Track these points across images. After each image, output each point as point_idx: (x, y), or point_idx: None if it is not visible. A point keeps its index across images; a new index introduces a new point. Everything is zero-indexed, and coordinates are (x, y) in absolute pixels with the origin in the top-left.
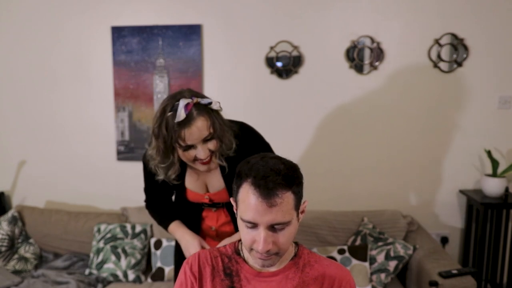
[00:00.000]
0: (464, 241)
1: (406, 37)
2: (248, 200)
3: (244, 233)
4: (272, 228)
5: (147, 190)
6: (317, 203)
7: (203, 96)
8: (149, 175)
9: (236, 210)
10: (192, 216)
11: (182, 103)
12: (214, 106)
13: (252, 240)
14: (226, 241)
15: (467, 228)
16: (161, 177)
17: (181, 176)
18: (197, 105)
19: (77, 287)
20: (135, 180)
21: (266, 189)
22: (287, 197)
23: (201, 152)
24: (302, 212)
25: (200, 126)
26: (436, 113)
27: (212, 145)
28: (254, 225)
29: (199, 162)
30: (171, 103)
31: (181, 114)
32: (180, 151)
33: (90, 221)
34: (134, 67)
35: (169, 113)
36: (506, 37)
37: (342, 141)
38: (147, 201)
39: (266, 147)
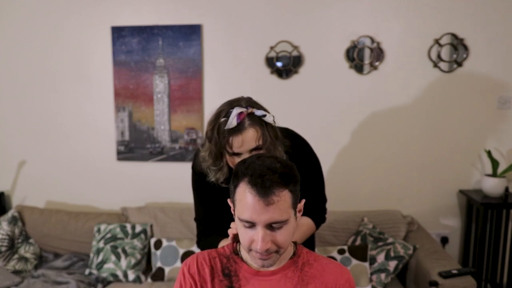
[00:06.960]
0: (464, 241)
1: (406, 37)
2: (245, 199)
3: (242, 233)
4: (270, 227)
5: (201, 213)
6: None
7: (260, 107)
8: (199, 187)
9: (234, 210)
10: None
11: (236, 111)
12: (268, 119)
13: (250, 240)
14: (224, 242)
15: (467, 228)
16: (212, 179)
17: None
18: (251, 115)
19: (77, 287)
20: (135, 180)
21: (263, 187)
22: (284, 195)
23: None
24: (300, 211)
25: (249, 137)
26: (436, 113)
27: None
28: (252, 225)
29: None
30: (226, 109)
31: (232, 122)
32: (227, 156)
33: (90, 221)
34: (134, 67)
35: (223, 119)
36: (506, 37)
37: (342, 141)
38: (201, 232)
39: (316, 165)
